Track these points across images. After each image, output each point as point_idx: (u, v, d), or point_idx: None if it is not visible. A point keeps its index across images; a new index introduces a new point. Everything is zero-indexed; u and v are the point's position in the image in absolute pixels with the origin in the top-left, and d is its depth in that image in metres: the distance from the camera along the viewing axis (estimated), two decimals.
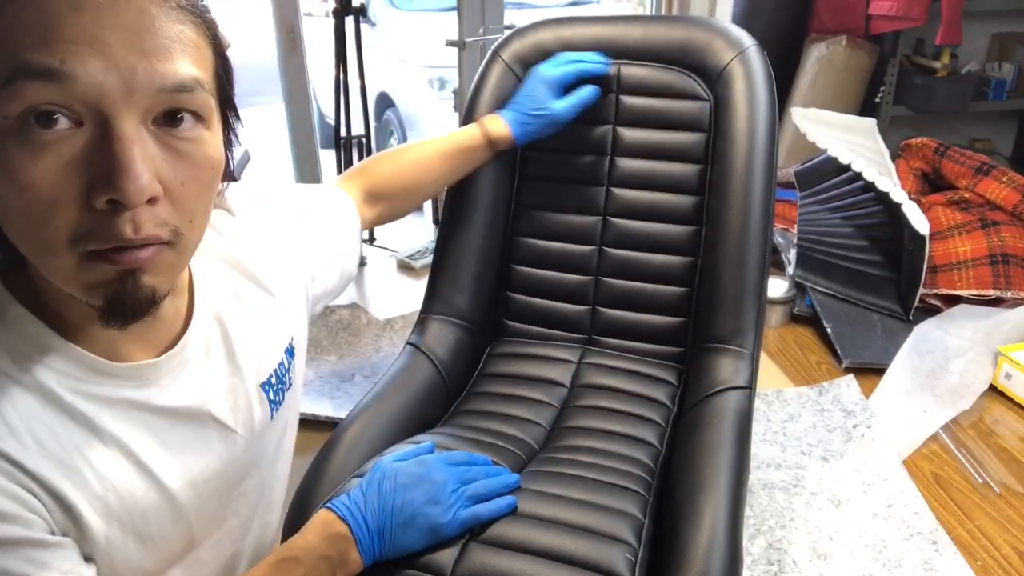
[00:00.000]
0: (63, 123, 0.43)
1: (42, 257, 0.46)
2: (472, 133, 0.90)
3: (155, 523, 0.55)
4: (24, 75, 0.41)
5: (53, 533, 0.49)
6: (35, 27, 0.41)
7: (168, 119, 0.46)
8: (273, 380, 0.65)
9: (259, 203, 0.71)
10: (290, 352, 0.69)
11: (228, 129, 0.54)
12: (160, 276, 0.48)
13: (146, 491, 0.54)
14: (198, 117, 0.48)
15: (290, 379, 0.69)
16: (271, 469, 0.68)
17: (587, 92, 0.92)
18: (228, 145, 0.54)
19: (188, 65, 0.46)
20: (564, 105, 0.90)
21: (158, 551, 0.56)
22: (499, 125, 0.90)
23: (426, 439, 0.77)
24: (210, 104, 0.49)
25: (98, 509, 0.51)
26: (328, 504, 0.63)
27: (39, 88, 0.41)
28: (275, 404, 0.65)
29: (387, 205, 0.88)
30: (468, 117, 0.97)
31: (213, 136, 0.50)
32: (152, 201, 0.45)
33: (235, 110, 0.55)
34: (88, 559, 0.51)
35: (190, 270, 0.60)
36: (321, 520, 0.62)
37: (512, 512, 0.65)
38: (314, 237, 0.76)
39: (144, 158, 0.44)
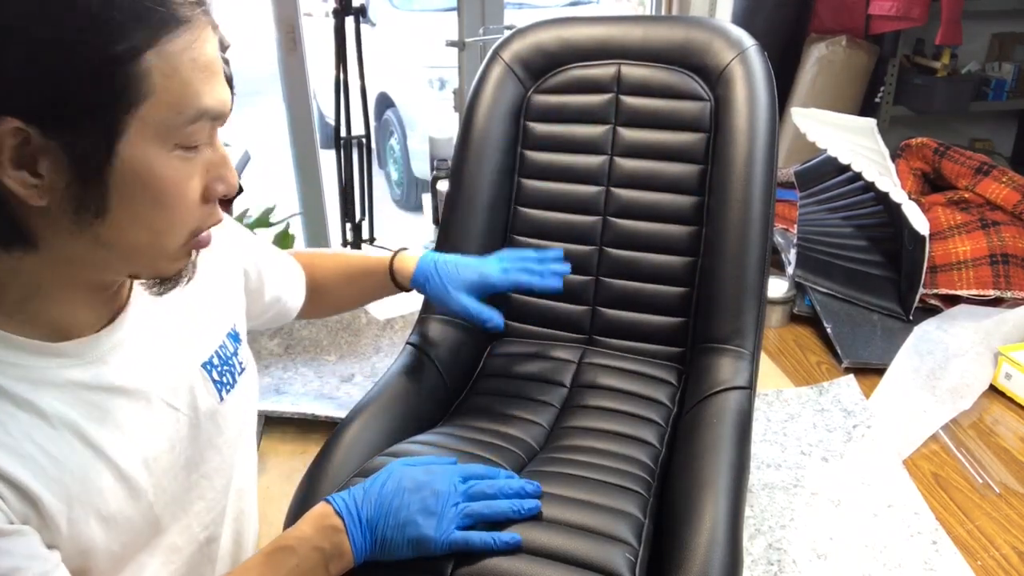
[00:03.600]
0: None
1: (158, 249, 0.53)
2: (382, 263, 0.87)
3: (113, 502, 0.55)
4: (207, 117, 0.51)
5: (12, 523, 0.49)
6: (205, 77, 0.50)
7: None
8: (215, 361, 0.66)
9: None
10: (234, 337, 0.70)
11: None
12: None
13: (101, 470, 0.54)
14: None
15: (239, 363, 0.69)
16: (232, 452, 0.68)
17: (487, 314, 0.82)
18: None
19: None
20: (462, 304, 0.82)
21: (122, 533, 0.56)
22: (407, 263, 0.85)
23: (427, 439, 0.78)
24: None
25: (57, 493, 0.51)
26: (327, 497, 0.63)
27: (209, 125, 0.52)
28: (221, 385, 0.66)
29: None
30: (468, 117, 0.97)
31: None
32: None
33: None
34: (51, 547, 0.51)
35: None
36: (317, 512, 0.62)
37: (514, 550, 0.61)
38: (256, 253, 0.78)
39: None
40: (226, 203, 0.78)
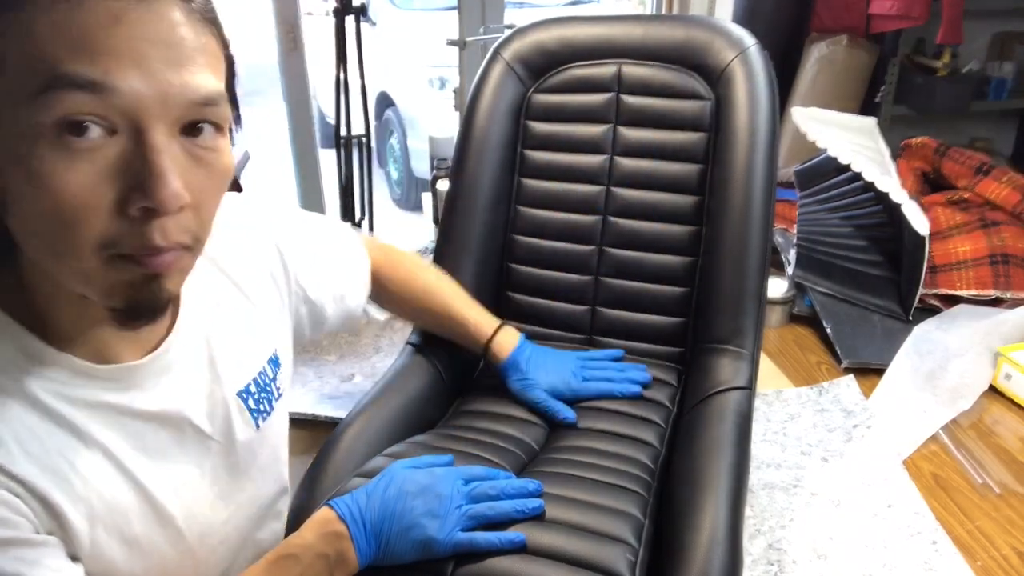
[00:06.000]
0: (95, 132, 0.43)
1: (63, 259, 0.46)
2: (481, 332, 0.87)
3: (139, 526, 0.55)
4: (63, 85, 0.42)
5: (38, 533, 0.49)
6: (74, 37, 0.42)
7: (189, 129, 0.47)
8: (252, 388, 0.65)
9: (251, 211, 0.71)
10: (274, 362, 0.68)
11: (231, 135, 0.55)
12: (177, 279, 0.50)
13: (128, 494, 0.54)
14: (217, 127, 0.49)
15: (277, 389, 0.68)
16: (266, 479, 0.67)
17: (564, 413, 0.83)
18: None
19: (213, 78, 0.48)
20: (541, 400, 0.84)
21: (145, 556, 0.56)
22: (504, 349, 0.86)
23: (426, 439, 0.78)
24: (228, 115, 0.50)
25: (82, 511, 0.51)
26: (330, 502, 0.63)
27: (78, 98, 0.42)
28: (257, 413, 0.65)
29: (375, 293, 0.88)
30: (469, 116, 0.97)
31: (228, 144, 0.51)
32: (180, 208, 0.47)
33: (239, 117, 0.56)
34: (75, 559, 0.51)
35: None
36: (320, 518, 0.62)
37: (519, 549, 0.62)
38: (310, 256, 0.75)
39: (175, 167, 0.46)
40: None
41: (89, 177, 0.44)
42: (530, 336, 0.97)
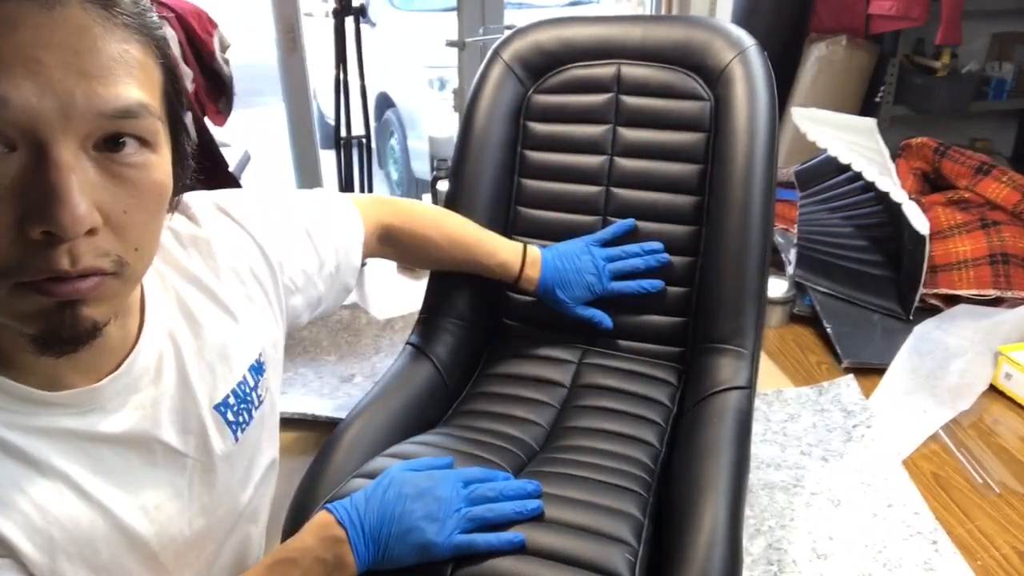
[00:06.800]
0: None
1: None
2: (510, 258, 0.90)
3: (107, 553, 0.53)
4: None
5: None
6: None
7: (110, 144, 0.44)
8: (231, 401, 0.62)
9: (236, 209, 0.68)
10: (257, 369, 0.66)
11: (178, 148, 0.51)
12: (102, 306, 0.46)
13: (94, 521, 0.52)
14: (143, 142, 0.45)
15: (258, 397, 0.66)
16: (242, 487, 0.65)
17: (599, 317, 0.91)
18: (180, 163, 0.51)
19: (132, 88, 0.44)
20: (576, 314, 0.91)
21: None
22: (532, 279, 0.90)
23: (426, 439, 0.78)
24: (156, 128, 0.46)
25: (38, 543, 0.49)
26: (328, 505, 0.62)
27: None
28: (236, 426, 0.63)
29: (395, 252, 0.88)
30: (468, 117, 0.97)
31: (160, 160, 0.47)
32: (92, 232, 0.43)
33: (186, 130, 0.52)
34: None
35: (142, 287, 0.57)
36: (319, 522, 0.61)
37: (518, 549, 0.61)
38: (298, 246, 0.73)
39: (82, 187, 0.42)
40: None
41: None
42: (531, 336, 0.97)
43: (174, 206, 0.54)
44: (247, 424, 0.64)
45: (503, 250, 0.90)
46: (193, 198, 0.65)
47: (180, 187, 0.52)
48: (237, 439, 0.63)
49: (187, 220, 0.64)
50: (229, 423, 0.62)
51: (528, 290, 0.91)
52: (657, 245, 0.91)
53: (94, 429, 0.52)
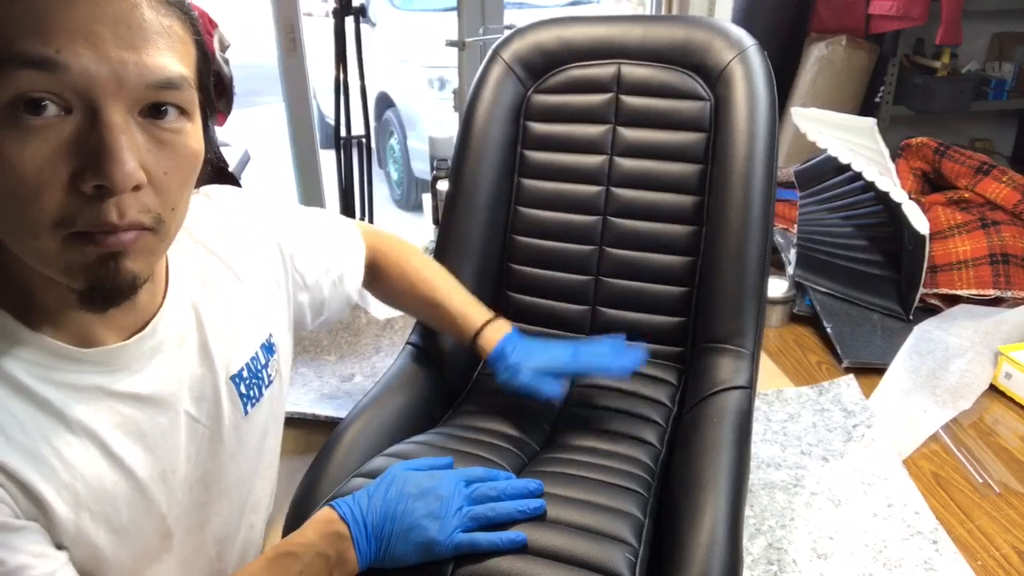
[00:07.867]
0: (52, 110, 0.44)
1: (23, 238, 0.47)
2: (469, 324, 0.83)
3: (127, 514, 0.55)
4: (17, 63, 0.42)
5: (19, 518, 0.49)
6: (28, 17, 0.43)
7: (153, 111, 0.48)
8: (245, 374, 0.64)
9: (248, 202, 0.71)
10: (268, 348, 0.68)
11: (205, 121, 0.54)
12: (141, 261, 0.49)
13: (116, 480, 0.54)
14: (182, 111, 0.49)
15: (268, 376, 0.68)
16: (252, 467, 0.67)
17: (547, 387, 0.80)
18: (206, 133, 0.55)
19: (175, 62, 0.48)
20: (523, 383, 0.80)
21: (134, 544, 0.56)
22: (491, 341, 0.82)
23: (427, 439, 0.78)
24: (193, 99, 0.50)
25: (66, 498, 0.51)
26: (331, 502, 0.63)
27: (31, 76, 0.43)
28: (248, 399, 0.65)
29: (375, 283, 0.87)
30: (468, 117, 0.97)
31: (195, 129, 0.51)
32: (136, 188, 0.46)
33: (212, 104, 0.56)
34: (59, 546, 0.51)
35: (167, 257, 0.60)
36: (322, 518, 0.62)
37: (519, 548, 0.61)
38: (307, 242, 0.75)
39: (131, 146, 0.46)
40: None
41: (43, 154, 0.44)
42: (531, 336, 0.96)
43: (200, 181, 0.57)
44: (257, 400, 0.66)
45: (472, 306, 0.85)
46: (214, 187, 0.68)
47: (205, 159, 0.55)
48: (246, 412, 0.65)
49: (202, 197, 0.67)
50: (241, 395, 0.64)
51: (485, 350, 0.83)
52: (640, 358, 0.81)
53: (121, 387, 0.54)
